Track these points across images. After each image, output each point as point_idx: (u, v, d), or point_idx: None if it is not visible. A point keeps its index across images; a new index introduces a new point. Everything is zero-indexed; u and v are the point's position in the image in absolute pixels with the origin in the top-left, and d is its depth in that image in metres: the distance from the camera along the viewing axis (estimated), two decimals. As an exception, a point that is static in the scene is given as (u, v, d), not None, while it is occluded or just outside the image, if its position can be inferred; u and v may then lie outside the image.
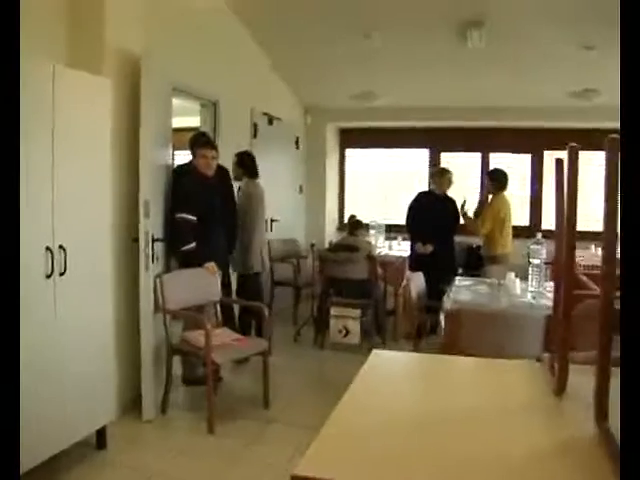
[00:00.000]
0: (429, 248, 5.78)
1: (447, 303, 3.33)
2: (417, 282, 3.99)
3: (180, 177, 4.26)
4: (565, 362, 1.61)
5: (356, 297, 5.44)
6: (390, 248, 6.54)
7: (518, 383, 1.73)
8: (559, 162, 1.75)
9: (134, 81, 3.74)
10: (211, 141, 4.53)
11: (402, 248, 6.58)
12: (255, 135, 6.02)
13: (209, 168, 4.26)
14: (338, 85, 6.78)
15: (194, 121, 5.62)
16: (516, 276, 3.95)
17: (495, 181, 5.62)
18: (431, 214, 5.88)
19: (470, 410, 1.50)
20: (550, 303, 3.38)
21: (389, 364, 1.96)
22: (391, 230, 7.16)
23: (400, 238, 6.90)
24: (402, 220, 7.78)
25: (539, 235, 3.79)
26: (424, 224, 5.89)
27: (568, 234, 1.60)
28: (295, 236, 7.14)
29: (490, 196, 5.73)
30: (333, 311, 5.46)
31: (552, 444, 1.31)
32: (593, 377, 1.31)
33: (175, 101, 4.49)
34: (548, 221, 7.56)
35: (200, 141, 4.41)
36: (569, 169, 1.60)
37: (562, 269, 1.63)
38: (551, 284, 4.06)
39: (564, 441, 1.33)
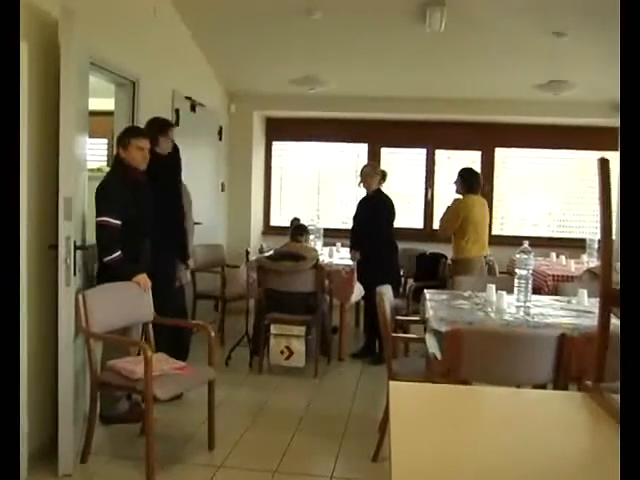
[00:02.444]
0: (356, 255, 5.74)
1: (435, 323, 3.14)
2: (389, 296, 3.79)
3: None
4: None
5: (300, 312, 5.20)
6: (331, 255, 6.32)
7: (579, 420, 1.66)
8: (604, 162, 1.73)
9: (47, 50, 3.32)
10: (144, 130, 4.26)
11: (343, 255, 6.39)
12: (177, 122, 5.64)
13: (145, 161, 4.00)
14: (271, 68, 6.50)
15: (104, 103, 5.20)
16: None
17: (460, 181, 5.53)
18: (363, 216, 5.79)
19: (550, 461, 1.38)
20: (549, 320, 3.31)
21: (418, 399, 1.85)
22: (327, 235, 6.97)
23: (339, 244, 6.72)
24: (337, 224, 7.71)
25: (526, 243, 3.69)
26: (356, 228, 5.87)
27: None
28: (218, 241, 6.82)
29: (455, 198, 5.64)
30: (274, 329, 5.18)
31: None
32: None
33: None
34: (500, 223, 7.65)
35: (134, 130, 4.17)
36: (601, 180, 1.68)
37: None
38: (537, 297, 4.01)
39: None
